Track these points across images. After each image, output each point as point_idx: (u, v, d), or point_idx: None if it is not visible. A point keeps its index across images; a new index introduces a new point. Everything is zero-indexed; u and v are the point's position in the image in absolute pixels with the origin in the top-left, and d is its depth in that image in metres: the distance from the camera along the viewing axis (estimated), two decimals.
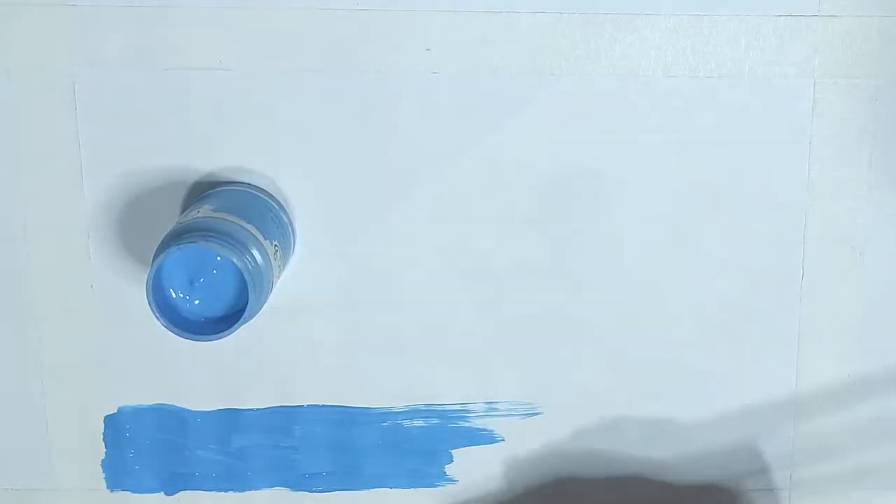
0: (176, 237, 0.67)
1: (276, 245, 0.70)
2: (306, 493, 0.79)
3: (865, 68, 0.72)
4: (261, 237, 0.68)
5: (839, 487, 0.77)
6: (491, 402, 0.77)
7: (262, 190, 0.73)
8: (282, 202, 0.73)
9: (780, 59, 0.72)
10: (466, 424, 0.78)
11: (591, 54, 0.72)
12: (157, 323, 0.67)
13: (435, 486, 0.79)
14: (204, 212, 0.69)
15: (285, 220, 0.73)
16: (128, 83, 0.72)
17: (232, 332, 0.67)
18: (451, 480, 0.79)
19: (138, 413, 0.78)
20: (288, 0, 0.71)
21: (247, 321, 0.67)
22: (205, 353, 0.76)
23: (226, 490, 0.79)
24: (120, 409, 0.78)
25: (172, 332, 0.67)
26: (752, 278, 0.75)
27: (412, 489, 0.79)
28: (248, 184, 0.73)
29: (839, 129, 0.72)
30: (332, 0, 0.71)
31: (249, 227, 0.68)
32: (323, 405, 0.77)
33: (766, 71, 0.72)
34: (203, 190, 0.73)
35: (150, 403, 0.78)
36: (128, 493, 0.79)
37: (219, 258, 0.66)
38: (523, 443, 0.78)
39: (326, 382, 0.77)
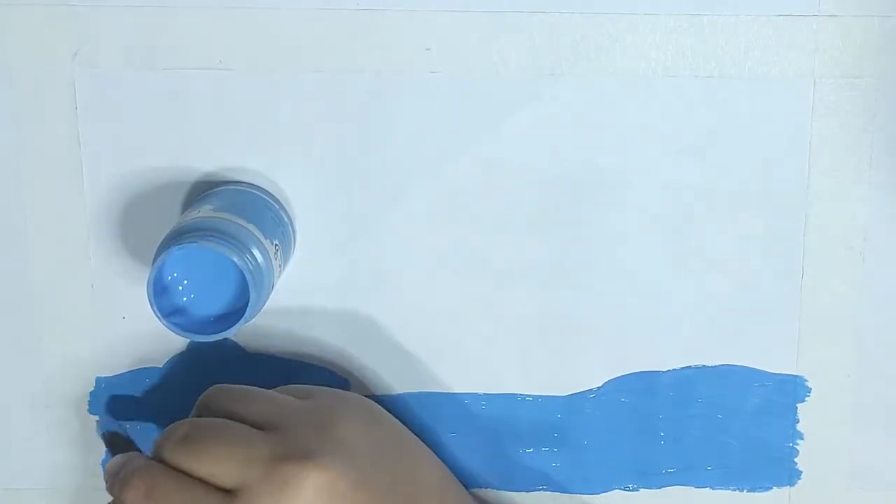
0: (176, 237, 0.67)
1: (276, 244, 0.70)
2: None
3: (865, 68, 0.72)
4: (261, 237, 0.68)
5: (840, 487, 0.77)
6: None
7: (262, 190, 0.73)
8: (282, 202, 0.73)
9: (780, 59, 0.72)
10: None
11: (591, 54, 0.72)
12: (158, 323, 0.67)
13: None
14: (204, 212, 0.69)
15: (285, 219, 0.73)
16: (128, 83, 0.72)
17: (232, 332, 0.67)
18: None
19: None
20: (288, 0, 0.71)
21: (247, 321, 0.67)
22: None
23: None
24: None
25: (172, 331, 0.67)
26: (752, 278, 0.75)
27: None
28: (248, 183, 0.73)
29: (839, 129, 0.73)
30: (332, 0, 0.71)
31: (250, 226, 0.68)
32: None
33: (766, 71, 0.72)
34: (203, 190, 0.73)
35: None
36: None
37: (219, 258, 0.66)
38: None
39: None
